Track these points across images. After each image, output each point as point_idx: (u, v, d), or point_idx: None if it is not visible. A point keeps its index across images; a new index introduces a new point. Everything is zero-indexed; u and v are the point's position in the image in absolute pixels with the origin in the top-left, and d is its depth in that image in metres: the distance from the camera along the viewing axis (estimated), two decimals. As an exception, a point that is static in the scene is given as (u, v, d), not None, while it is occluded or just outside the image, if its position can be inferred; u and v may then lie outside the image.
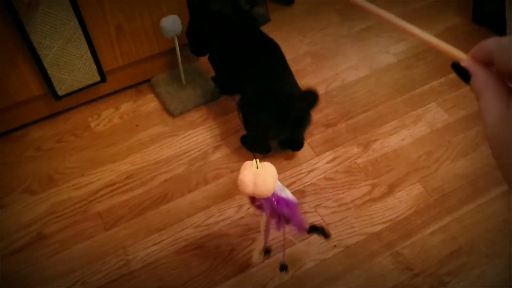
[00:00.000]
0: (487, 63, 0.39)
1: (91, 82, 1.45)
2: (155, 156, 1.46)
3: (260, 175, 0.88)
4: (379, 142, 1.50)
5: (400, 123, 1.55)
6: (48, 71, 1.34)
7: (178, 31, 1.37)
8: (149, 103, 1.60)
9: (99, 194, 1.38)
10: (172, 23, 1.34)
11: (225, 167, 1.44)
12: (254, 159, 0.90)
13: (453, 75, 1.68)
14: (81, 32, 1.31)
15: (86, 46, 1.35)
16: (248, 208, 1.34)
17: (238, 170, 1.41)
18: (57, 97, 1.42)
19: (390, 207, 1.35)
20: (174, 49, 1.47)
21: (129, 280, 1.21)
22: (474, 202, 1.36)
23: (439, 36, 1.74)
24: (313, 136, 1.52)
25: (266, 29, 1.86)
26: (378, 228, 1.31)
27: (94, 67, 1.42)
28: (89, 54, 1.37)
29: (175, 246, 1.27)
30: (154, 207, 1.35)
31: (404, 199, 1.37)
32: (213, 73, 1.59)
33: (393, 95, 1.63)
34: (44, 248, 1.27)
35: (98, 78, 1.46)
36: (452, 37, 1.82)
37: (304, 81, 1.68)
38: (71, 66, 1.36)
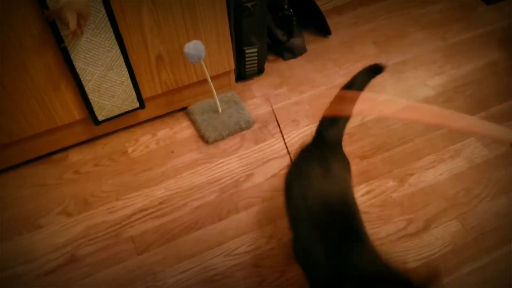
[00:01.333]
0: None
1: (130, 108, 1.49)
2: (189, 183, 1.47)
3: None
4: (415, 177, 1.47)
5: (437, 157, 1.52)
6: (90, 97, 1.38)
7: (202, 55, 1.39)
8: (185, 130, 1.63)
9: (132, 219, 1.39)
10: (194, 48, 1.37)
11: (257, 196, 1.43)
12: None
13: (493, 109, 1.64)
14: (123, 60, 1.36)
15: (127, 73, 1.39)
16: (279, 239, 1.33)
17: (269, 199, 1.43)
18: (97, 122, 1.47)
19: (426, 244, 1.31)
20: (212, 78, 1.50)
21: (157, 307, 1.21)
22: (516, 243, 1.30)
23: (478, 71, 1.71)
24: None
25: (301, 60, 1.88)
26: (413, 265, 1.27)
27: (134, 93, 1.46)
28: (129, 81, 1.41)
29: (204, 274, 1.27)
30: (185, 234, 1.35)
31: (441, 236, 1.32)
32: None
33: (431, 129, 1.60)
34: (76, 270, 1.29)
35: (137, 105, 1.50)
36: (492, 72, 1.77)
37: (318, 83, 1.68)
38: (111, 92, 1.41)
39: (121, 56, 1.35)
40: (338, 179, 1.04)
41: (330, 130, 1.13)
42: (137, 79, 1.44)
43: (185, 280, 1.25)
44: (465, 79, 1.76)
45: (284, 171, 1.48)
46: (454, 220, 1.35)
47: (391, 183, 1.45)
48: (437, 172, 1.47)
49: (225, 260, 1.29)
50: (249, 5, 1.53)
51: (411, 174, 1.47)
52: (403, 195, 1.42)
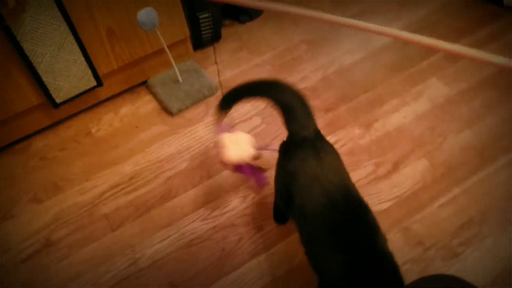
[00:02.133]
0: None
1: (87, 87, 1.46)
2: (157, 155, 1.46)
3: (240, 143, 1.09)
4: (380, 122, 1.48)
5: (400, 101, 1.53)
6: (44, 79, 1.35)
7: (155, 22, 1.37)
8: (148, 104, 1.61)
9: (104, 197, 1.38)
10: (147, 15, 1.35)
11: (227, 159, 1.43)
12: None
13: (451, 49, 1.65)
14: (72, 37, 1.32)
15: (79, 50, 1.36)
16: (253, 198, 1.33)
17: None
18: (56, 105, 1.43)
19: (396, 184, 1.33)
20: (167, 47, 1.48)
21: (138, 278, 1.21)
22: (482, 172, 1.33)
23: (434, 13, 1.70)
24: (314, 122, 1.51)
25: (258, 22, 1.87)
26: (386, 205, 1.29)
27: (89, 71, 1.42)
28: (82, 58, 1.38)
29: (182, 240, 1.27)
30: (159, 204, 1.35)
31: (410, 175, 1.35)
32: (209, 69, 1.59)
33: (391, 74, 1.61)
34: (53, 254, 1.27)
35: (94, 83, 1.46)
36: (447, 13, 1.79)
37: (301, 68, 1.67)
38: (66, 72, 1.37)
39: (70, 33, 1.31)
40: (336, 171, 1.01)
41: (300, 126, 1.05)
42: (91, 56, 1.40)
43: (165, 248, 1.25)
44: (421, 22, 1.77)
45: (253, 132, 1.48)
46: (422, 159, 1.38)
47: (357, 131, 1.47)
48: (401, 115, 1.49)
49: (202, 224, 1.29)
50: (196, -32, 1.51)
51: (376, 120, 1.49)
52: (370, 141, 1.44)
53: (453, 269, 1.16)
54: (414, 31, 1.74)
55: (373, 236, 0.90)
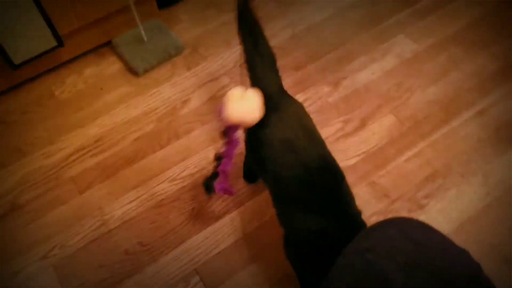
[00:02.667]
0: None
1: (47, 47, 1.40)
2: (123, 117, 1.43)
3: (249, 103, 0.92)
4: (349, 79, 1.48)
5: (369, 58, 1.53)
6: None
7: None
8: (112, 65, 1.56)
9: (70, 160, 1.35)
10: None
11: (196, 120, 1.41)
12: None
13: (418, 5, 1.66)
14: (28, -7, 1.26)
15: (35, 8, 1.29)
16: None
17: (209, 122, 1.41)
18: (14, 66, 1.38)
19: (364, 140, 1.34)
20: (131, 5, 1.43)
21: (108, 239, 1.20)
22: (447, 126, 1.36)
23: None
24: (283, 81, 1.49)
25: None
26: (353, 161, 1.31)
27: (48, 30, 1.36)
28: (39, 16, 1.32)
29: (152, 201, 1.26)
30: (127, 166, 1.33)
31: (377, 131, 1.36)
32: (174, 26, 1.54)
33: (360, 31, 1.61)
34: (19, 218, 1.25)
35: (54, 43, 1.41)
36: None
37: (269, 26, 1.64)
38: (23, 32, 1.31)
39: (26, -11, 1.25)
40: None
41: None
42: (49, 13, 1.34)
43: (134, 209, 1.25)
44: None
45: (221, 92, 1.47)
46: (389, 115, 1.39)
47: (326, 89, 1.46)
48: (369, 72, 1.50)
49: (172, 185, 1.29)
50: None
51: (345, 78, 1.49)
52: (338, 98, 1.44)
53: (418, 220, 1.19)
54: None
55: (341, 196, 0.92)
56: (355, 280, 0.58)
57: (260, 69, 1.03)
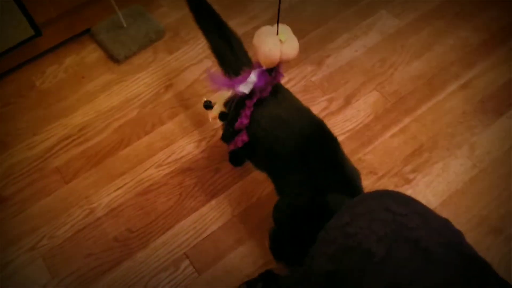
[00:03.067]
0: None
1: (25, 37, 1.38)
2: (106, 104, 1.42)
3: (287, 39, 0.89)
4: (332, 57, 1.48)
5: (351, 35, 1.52)
6: (-25, 29, 1.26)
7: None
8: (93, 53, 1.54)
9: (54, 150, 1.34)
10: None
11: (179, 105, 1.40)
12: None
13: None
14: (2, -18, 1.23)
15: (11, -3, 1.27)
16: (208, 141, 1.32)
17: (193, 105, 1.40)
18: (-8, 58, 1.35)
19: (349, 118, 1.34)
20: (107, -10, 1.41)
21: (97, 227, 1.20)
22: (432, 100, 1.36)
23: None
24: (266, 61, 1.48)
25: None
26: (339, 139, 1.29)
27: (25, 20, 1.34)
28: (15, 6, 1.29)
29: (139, 187, 1.26)
30: (112, 154, 1.32)
31: (362, 108, 1.36)
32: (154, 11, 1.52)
33: (342, 8, 1.59)
34: (5, 210, 1.24)
35: (32, 32, 1.38)
36: None
37: (250, 8, 1.62)
38: (-1, 22, 1.29)
39: (-1, -22, 1.22)
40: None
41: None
42: (25, 2, 1.31)
43: (121, 196, 1.24)
44: None
45: (204, 76, 1.45)
46: (373, 91, 1.39)
47: (309, 68, 1.46)
48: (352, 49, 1.49)
49: (158, 170, 1.28)
50: None
51: (328, 56, 1.48)
52: (322, 77, 1.43)
53: (405, 194, 1.20)
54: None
55: (337, 161, 0.94)
56: (335, 254, 0.58)
57: (230, 54, 1.03)
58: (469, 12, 1.54)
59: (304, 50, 1.50)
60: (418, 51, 1.46)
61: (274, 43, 0.87)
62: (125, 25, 1.52)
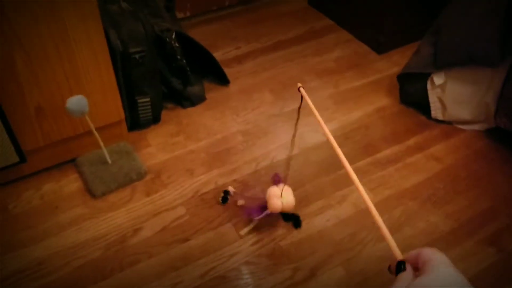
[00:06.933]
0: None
1: (8, 163, 1.42)
2: (72, 240, 1.41)
3: (288, 199, 1.41)
4: (304, 223, 1.49)
5: (325, 202, 1.56)
6: (-41, 153, 1.30)
7: (85, 110, 1.35)
8: (73, 183, 1.57)
9: (7, 282, 1.30)
10: (77, 103, 1.33)
11: (144, 251, 1.39)
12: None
13: (379, 155, 1.72)
14: (-5, 112, 1.30)
15: (1, 124, 1.32)
16: (165, 296, 1.29)
17: (157, 254, 1.39)
18: (-30, 179, 1.38)
19: (311, 294, 1.32)
20: (100, 128, 1.47)
21: None
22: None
23: (367, 116, 1.78)
24: (239, 217, 1.50)
25: (201, 108, 1.90)
26: (297, 315, 1.27)
27: (12, 147, 1.39)
28: (4, 133, 1.34)
29: None
30: (63, 296, 1.28)
31: (326, 284, 1.34)
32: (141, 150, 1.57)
33: (320, 174, 1.65)
34: None
35: (16, 159, 1.42)
36: (379, 117, 1.88)
37: (234, 159, 1.69)
38: (-16, 147, 1.33)
39: (-7, 108, 1.29)
40: None
41: None
42: (15, 130, 1.37)
43: None
44: (354, 124, 1.84)
45: (174, 224, 1.46)
46: (339, 267, 1.38)
47: (280, 231, 1.47)
48: (324, 218, 1.51)
49: (105, 323, 1.23)
50: (136, 56, 1.53)
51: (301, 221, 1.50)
52: (290, 242, 1.44)
53: None
54: (347, 132, 1.80)
55: None
56: None
57: None
58: (442, 197, 1.59)
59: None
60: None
61: (277, 202, 1.40)
62: (109, 161, 1.57)
